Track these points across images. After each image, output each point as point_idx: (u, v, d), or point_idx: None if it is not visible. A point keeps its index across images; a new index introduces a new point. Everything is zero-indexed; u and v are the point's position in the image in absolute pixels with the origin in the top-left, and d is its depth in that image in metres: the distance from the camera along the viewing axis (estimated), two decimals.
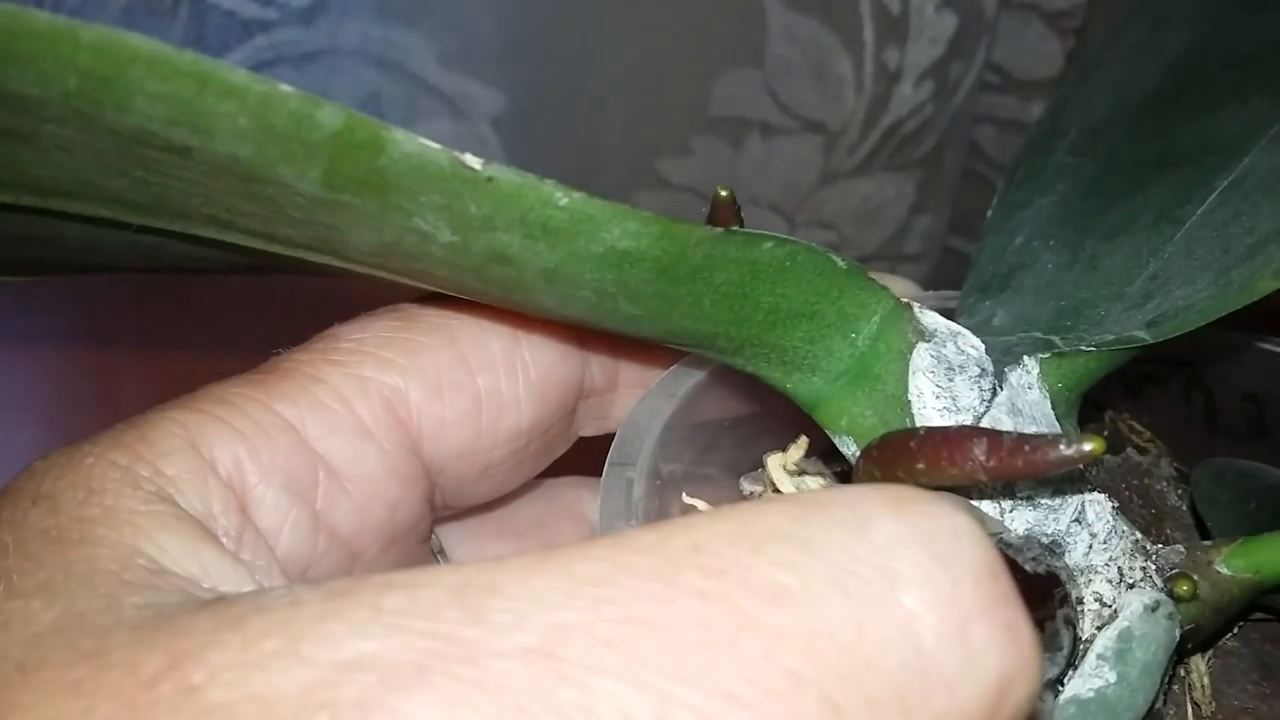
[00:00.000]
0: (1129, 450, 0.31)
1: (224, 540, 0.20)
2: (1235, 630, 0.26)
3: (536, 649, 0.13)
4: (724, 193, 0.23)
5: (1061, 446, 0.19)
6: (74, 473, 0.19)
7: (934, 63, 0.58)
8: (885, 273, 0.24)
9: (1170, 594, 0.22)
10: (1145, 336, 0.23)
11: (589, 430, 0.28)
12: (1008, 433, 0.20)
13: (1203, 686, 0.24)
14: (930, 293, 0.28)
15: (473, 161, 0.17)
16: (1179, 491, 0.29)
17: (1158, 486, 0.29)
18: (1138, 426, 0.32)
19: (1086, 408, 0.30)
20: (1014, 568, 0.18)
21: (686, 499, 0.25)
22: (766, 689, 0.13)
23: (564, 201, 0.18)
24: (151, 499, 0.19)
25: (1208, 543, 0.23)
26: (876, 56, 0.56)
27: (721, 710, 0.13)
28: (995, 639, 0.15)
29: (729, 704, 0.13)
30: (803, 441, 0.23)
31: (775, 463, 0.24)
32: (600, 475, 0.24)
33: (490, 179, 0.17)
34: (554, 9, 0.52)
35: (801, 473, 0.24)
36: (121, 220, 0.20)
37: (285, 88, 0.16)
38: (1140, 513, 0.28)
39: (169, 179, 0.18)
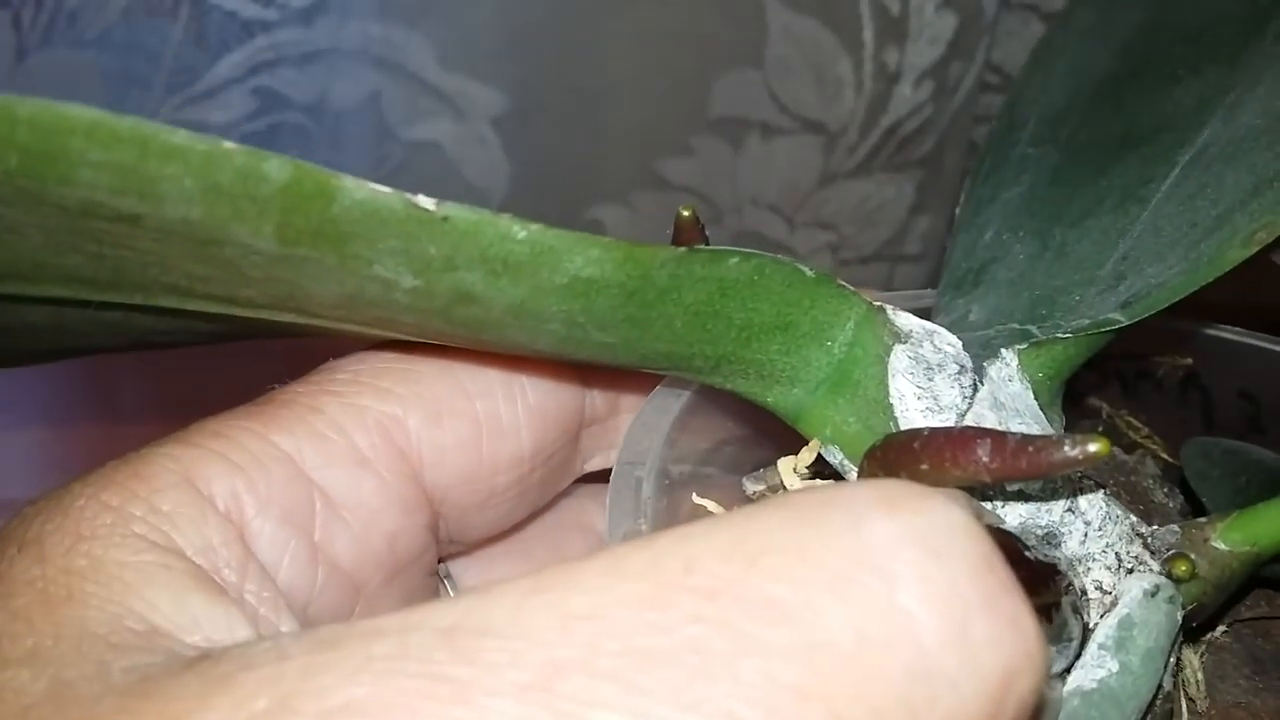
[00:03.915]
0: (1115, 449, 0.30)
1: (226, 572, 0.20)
2: (1227, 626, 0.25)
3: (532, 685, 0.13)
4: (686, 213, 0.23)
5: (1066, 447, 0.18)
6: (63, 516, 0.19)
7: (934, 63, 0.58)
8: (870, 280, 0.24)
9: (1169, 575, 0.21)
10: (1120, 318, 0.23)
11: (595, 463, 0.28)
12: (1012, 433, 0.19)
13: (1196, 682, 0.24)
14: (901, 293, 0.28)
15: (425, 202, 0.17)
16: (1165, 490, 0.29)
17: (1144, 484, 0.29)
18: (1135, 424, 0.32)
19: (1081, 405, 0.30)
20: (1018, 557, 0.18)
21: (696, 499, 0.24)
22: (770, 708, 0.13)
23: (522, 235, 0.18)
24: (141, 547, 0.19)
25: (1201, 520, 0.23)
26: (876, 57, 0.56)
27: None
28: (997, 632, 0.14)
29: None
30: (814, 444, 0.23)
31: (786, 466, 0.24)
32: (607, 486, 0.24)
33: (445, 218, 0.17)
34: (554, 9, 0.53)
35: (813, 476, 0.24)
36: (82, 298, 0.20)
37: (228, 144, 0.16)
38: (1129, 508, 0.28)
39: (123, 250, 0.18)
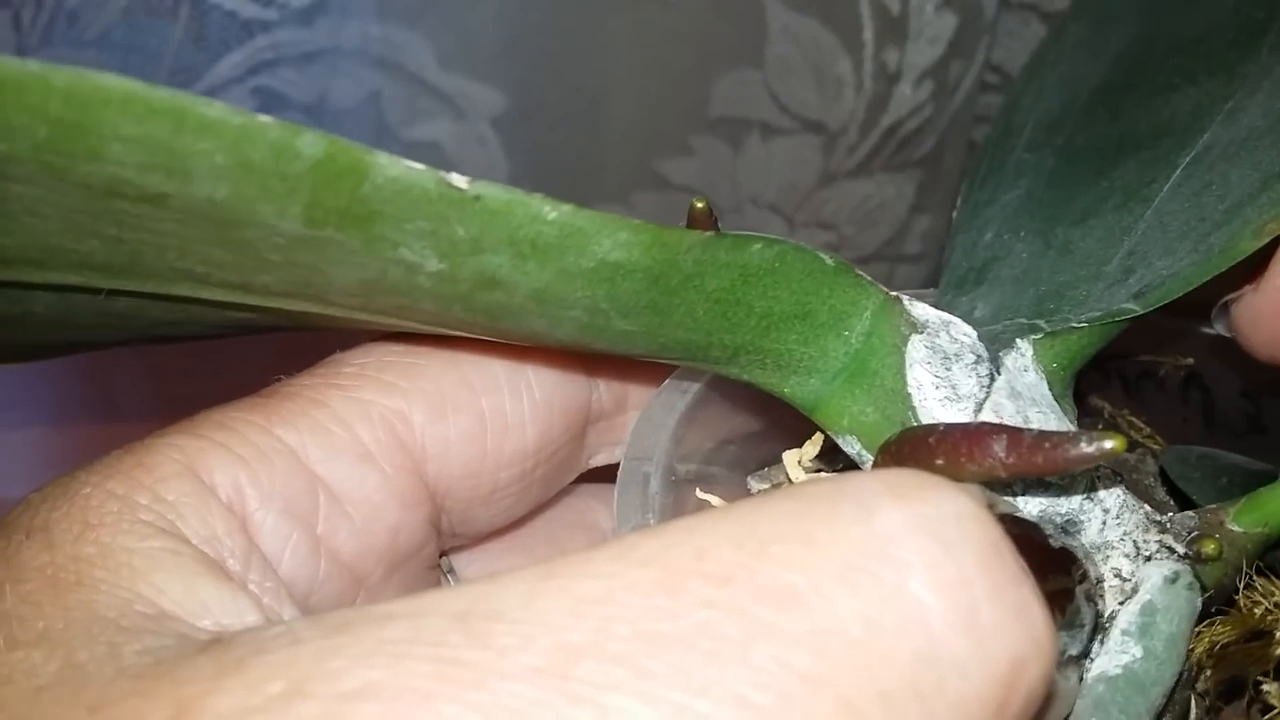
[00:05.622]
0: None
1: (231, 561, 0.20)
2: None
3: (545, 669, 0.13)
4: (700, 204, 0.23)
5: (1082, 444, 0.18)
6: (69, 503, 0.19)
7: (934, 63, 0.59)
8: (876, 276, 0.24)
9: (1198, 556, 0.22)
10: (1135, 307, 0.23)
11: (601, 459, 0.28)
12: (1028, 429, 0.19)
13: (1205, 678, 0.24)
14: (902, 291, 0.28)
15: (459, 181, 0.17)
16: (1166, 488, 0.29)
17: (1146, 481, 0.30)
18: (1138, 423, 0.32)
19: (1082, 403, 0.30)
20: (1034, 545, 0.18)
21: (700, 495, 0.24)
22: (780, 693, 0.13)
23: (553, 215, 0.18)
24: (149, 533, 0.19)
25: (1213, 505, 0.23)
26: (876, 57, 0.57)
27: (737, 718, 0.13)
28: (1005, 620, 0.15)
29: (744, 711, 0.13)
30: (818, 438, 0.23)
31: (791, 459, 0.24)
32: (611, 486, 0.24)
33: (478, 197, 0.17)
34: (554, 9, 0.53)
35: (818, 470, 0.24)
36: (93, 286, 0.20)
37: (263, 118, 0.15)
38: None
39: (143, 234, 0.18)
